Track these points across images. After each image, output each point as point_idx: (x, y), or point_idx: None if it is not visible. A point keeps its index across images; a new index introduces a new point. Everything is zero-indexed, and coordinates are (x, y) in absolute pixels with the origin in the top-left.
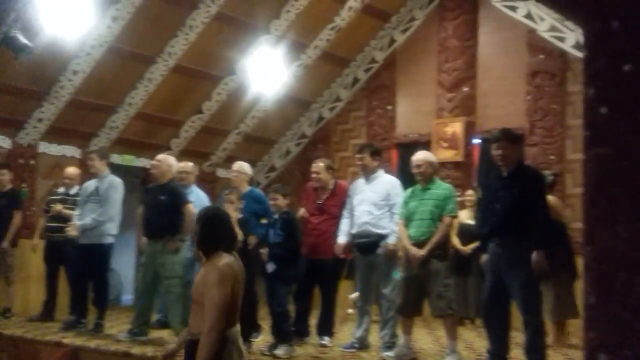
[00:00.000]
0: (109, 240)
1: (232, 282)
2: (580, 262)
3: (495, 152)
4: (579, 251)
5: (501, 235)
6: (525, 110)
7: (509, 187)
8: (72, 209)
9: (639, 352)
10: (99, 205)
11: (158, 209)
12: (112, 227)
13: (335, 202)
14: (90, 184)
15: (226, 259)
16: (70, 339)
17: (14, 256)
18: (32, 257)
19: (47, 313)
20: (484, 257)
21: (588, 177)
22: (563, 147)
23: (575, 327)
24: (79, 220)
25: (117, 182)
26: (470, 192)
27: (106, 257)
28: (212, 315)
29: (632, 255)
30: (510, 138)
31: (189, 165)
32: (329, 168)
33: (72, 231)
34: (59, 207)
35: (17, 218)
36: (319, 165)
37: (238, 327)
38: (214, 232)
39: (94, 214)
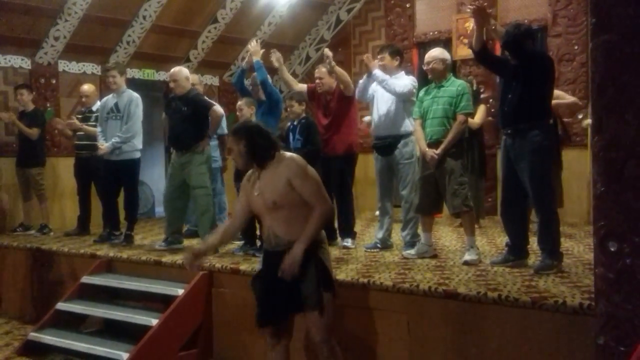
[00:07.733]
0: (136, 155)
1: None
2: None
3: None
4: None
5: (512, 124)
6: None
7: (520, 75)
8: (95, 126)
9: None
10: (122, 122)
11: (182, 120)
12: (137, 142)
13: (339, 101)
14: (109, 100)
15: None
16: (104, 251)
17: (42, 174)
18: (64, 174)
19: (82, 227)
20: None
21: (596, 65)
22: (587, 37)
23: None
24: (102, 138)
25: (136, 96)
26: None
27: (133, 172)
28: None
29: None
30: (520, 35)
31: (193, 78)
32: (330, 72)
33: (101, 151)
34: (77, 123)
35: (34, 131)
36: (321, 70)
37: None
38: None
39: (117, 132)
